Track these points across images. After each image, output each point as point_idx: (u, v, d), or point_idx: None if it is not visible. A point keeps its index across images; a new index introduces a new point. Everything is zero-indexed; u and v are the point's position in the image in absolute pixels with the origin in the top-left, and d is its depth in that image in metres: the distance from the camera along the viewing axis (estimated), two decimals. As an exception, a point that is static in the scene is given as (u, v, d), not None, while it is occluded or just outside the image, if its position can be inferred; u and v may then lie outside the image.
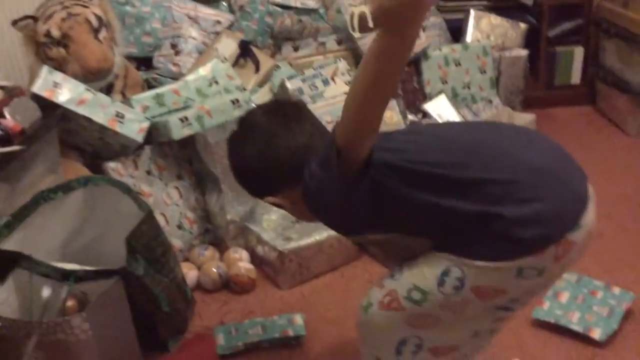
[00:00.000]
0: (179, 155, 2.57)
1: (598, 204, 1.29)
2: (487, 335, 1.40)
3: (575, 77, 3.76)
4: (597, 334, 1.89)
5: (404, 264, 1.33)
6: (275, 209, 2.52)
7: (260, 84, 2.85)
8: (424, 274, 1.25)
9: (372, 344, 1.42)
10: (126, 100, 2.44)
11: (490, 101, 3.24)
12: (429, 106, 3.09)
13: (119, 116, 2.27)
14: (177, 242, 2.50)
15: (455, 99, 3.18)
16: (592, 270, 2.28)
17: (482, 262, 1.17)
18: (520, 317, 2.10)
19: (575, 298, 2.06)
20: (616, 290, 2.06)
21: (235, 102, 2.47)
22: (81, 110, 2.19)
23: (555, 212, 1.17)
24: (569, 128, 3.55)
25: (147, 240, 1.83)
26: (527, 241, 1.15)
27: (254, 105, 2.53)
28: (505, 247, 1.16)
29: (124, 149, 2.38)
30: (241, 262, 2.38)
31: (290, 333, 2.05)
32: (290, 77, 2.75)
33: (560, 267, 1.23)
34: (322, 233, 2.40)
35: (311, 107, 2.65)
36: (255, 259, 2.47)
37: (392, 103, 2.98)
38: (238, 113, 2.46)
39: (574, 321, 1.96)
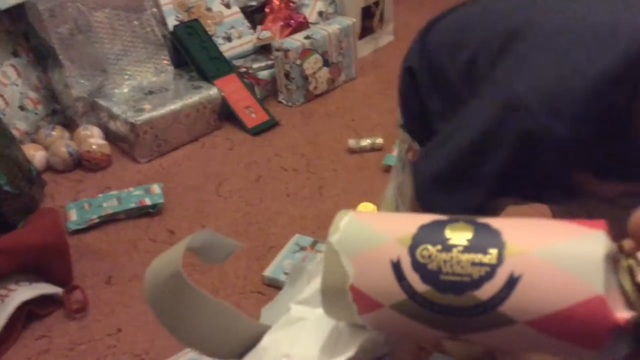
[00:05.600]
0: (12, 29, 2.34)
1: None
2: None
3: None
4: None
5: None
6: (127, 80, 2.41)
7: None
8: None
9: None
10: None
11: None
12: (286, -31, 2.96)
13: None
14: (21, 125, 2.34)
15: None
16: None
17: None
18: (374, 167, 2.18)
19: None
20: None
21: (66, -34, 2.24)
22: None
23: None
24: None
25: (-32, 113, 1.68)
26: None
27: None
28: None
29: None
30: (92, 138, 2.27)
31: (148, 202, 2.01)
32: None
33: None
34: (176, 102, 2.32)
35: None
36: (109, 135, 2.36)
37: (246, -34, 2.83)
38: (71, -22, 2.25)
39: (421, 163, 2.05)
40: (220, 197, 2.10)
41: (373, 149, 2.26)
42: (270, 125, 2.47)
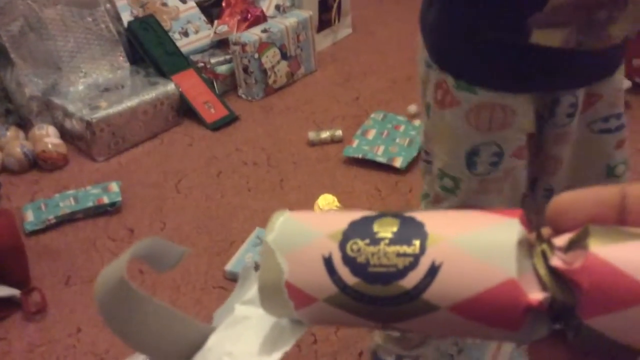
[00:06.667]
0: (-41, 28, 2.28)
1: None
2: None
3: None
4: (398, 162, 2.03)
5: None
6: (82, 78, 2.37)
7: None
8: None
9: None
10: None
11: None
12: (242, -37, 2.96)
13: None
14: (-28, 125, 2.28)
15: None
16: (399, 108, 2.41)
17: None
18: (334, 158, 2.20)
19: (381, 133, 2.17)
20: (417, 122, 2.20)
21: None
22: None
23: None
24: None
25: None
26: None
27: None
28: None
29: None
30: (48, 138, 2.23)
31: (106, 200, 1.99)
32: None
33: None
34: (133, 99, 2.30)
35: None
36: (65, 134, 2.32)
37: (201, -40, 2.82)
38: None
39: (379, 154, 2.08)
40: (180, 194, 2.08)
41: (333, 141, 2.27)
42: (229, 120, 2.46)
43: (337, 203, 1.93)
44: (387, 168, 2.07)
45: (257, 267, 0.73)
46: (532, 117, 0.95)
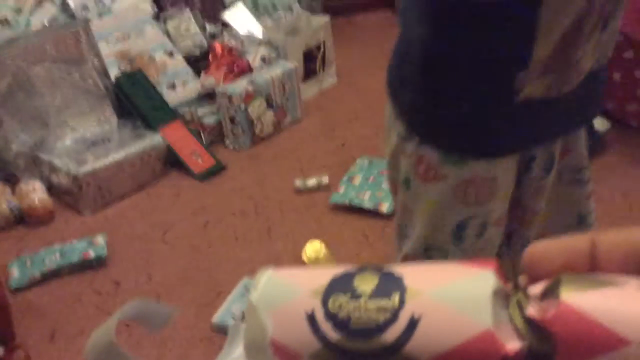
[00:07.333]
0: (-53, 87, 2.31)
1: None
2: None
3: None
4: (385, 207, 2.03)
5: None
6: (69, 133, 2.39)
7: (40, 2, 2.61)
8: None
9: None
10: None
11: (291, 9, 3.26)
12: (228, 16, 3.03)
13: None
14: (-41, 183, 2.28)
15: (255, 8, 3.15)
16: (384, 153, 2.43)
17: None
18: (321, 205, 2.20)
19: (367, 179, 2.18)
20: (402, 167, 2.21)
21: (3, 21, 2.25)
22: None
23: None
24: (370, 33, 3.69)
25: None
26: None
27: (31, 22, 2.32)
28: None
29: None
30: (34, 193, 2.23)
31: (91, 254, 1.97)
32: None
33: None
34: (119, 152, 2.31)
35: (97, 22, 2.49)
36: (52, 189, 2.33)
37: (188, 14, 2.89)
38: (9, 32, 2.26)
39: (366, 199, 2.08)
40: (166, 245, 2.07)
41: (320, 188, 2.28)
42: (217, 169, 2.47)
43: (324, 250, 1.92)
44: (374, 214, 2.07)
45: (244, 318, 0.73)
46: (513, 180, 0.95)
